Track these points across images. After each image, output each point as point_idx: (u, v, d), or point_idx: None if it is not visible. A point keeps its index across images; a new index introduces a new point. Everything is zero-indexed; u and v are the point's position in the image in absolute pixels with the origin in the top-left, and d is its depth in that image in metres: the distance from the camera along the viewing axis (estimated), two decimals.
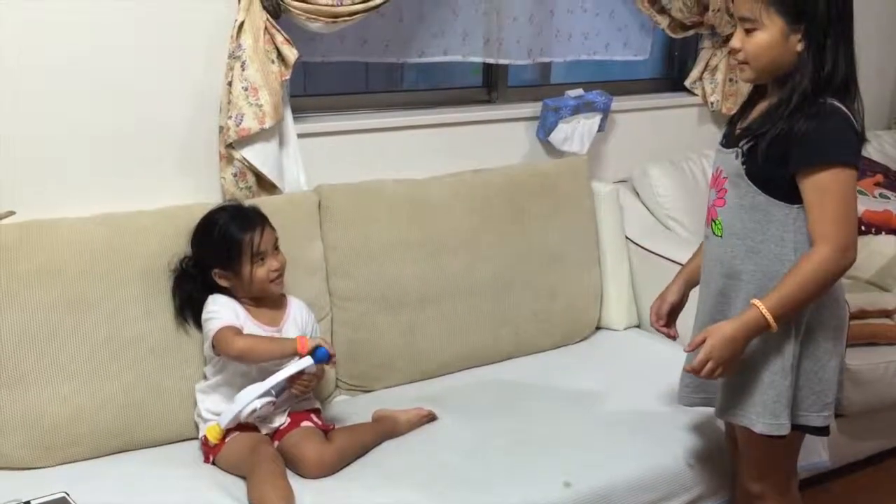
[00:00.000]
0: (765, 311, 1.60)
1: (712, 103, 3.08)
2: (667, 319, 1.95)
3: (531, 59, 2.80)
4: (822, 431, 1.75)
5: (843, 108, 1.60)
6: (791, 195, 1.63)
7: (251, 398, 1.86)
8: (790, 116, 1.59)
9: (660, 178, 2.84)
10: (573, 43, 2.87)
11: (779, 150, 1.60)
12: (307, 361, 1.88)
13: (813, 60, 1.59)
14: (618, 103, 2.90)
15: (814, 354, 1.69)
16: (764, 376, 1.68)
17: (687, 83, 3.12)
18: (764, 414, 1.69)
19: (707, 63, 3.06)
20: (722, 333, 1.62)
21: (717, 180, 1.74)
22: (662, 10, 2.91)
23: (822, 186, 1.58)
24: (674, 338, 1.97)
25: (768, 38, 1.61)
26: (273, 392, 1.89)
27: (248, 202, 2.10)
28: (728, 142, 1.74)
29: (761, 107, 1.71)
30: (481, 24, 2.68)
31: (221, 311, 1.96)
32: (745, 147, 1.65)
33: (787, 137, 1.58)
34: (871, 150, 3.31)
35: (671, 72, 3.27)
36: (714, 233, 1.75)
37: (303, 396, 2.01)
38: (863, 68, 3.60)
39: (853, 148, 1.61)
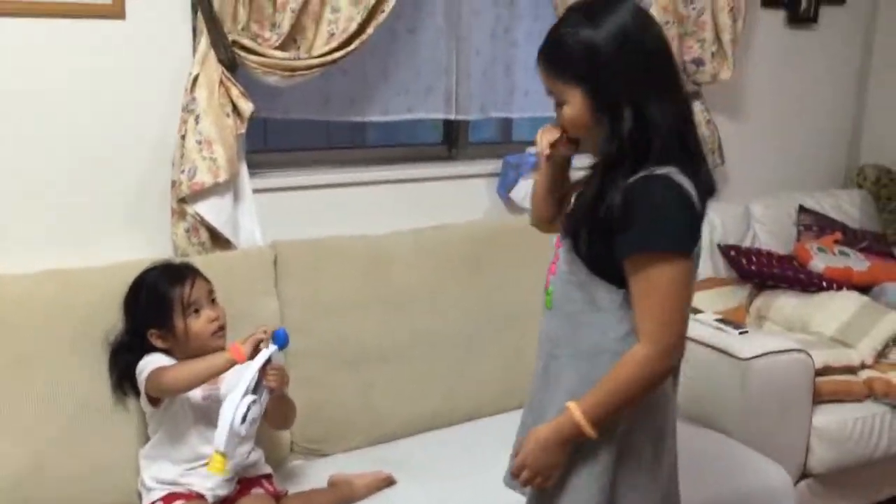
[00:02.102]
0: (578, 416, 1.41)
1: None
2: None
3: (483, 115, 2.80)
4: None
5: (671, 180, 1.37)
6: (616, 278, 1.42)
7: (234, 405, 1.69)
8: (598, 194, 1.40)
9: None
10: (530, 99, 2.87)
11: (600, 230, 1.41)
12: (271, 349, 1.76)
13: (611, 128, 1.39)
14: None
15: (630, 461, 1.49)
16: (573, 479, 1.48)
17: None
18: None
19: None
20: (536, 438, 1.46)
21: (558, 241, 1.55)
22: None
23: (646, 278, 1.37)
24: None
25: (573, 110, 1.42)
26: (250, 390, 1.73)
27: (189, 258, 2.03)
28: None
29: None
30: (442, 81, 2.68)
31: (152, 360, 1.84)
32: (569, 228, 1.48)
33: (606, 218, 1.38)
34: (827, 208, 3.36)
35: None
36: (546, 305, 1.54)
37: (280, 392, 1.85)
38: (816, 126, 3.67)
39: (681, 231, 1.38)
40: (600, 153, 1.43)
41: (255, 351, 1.76)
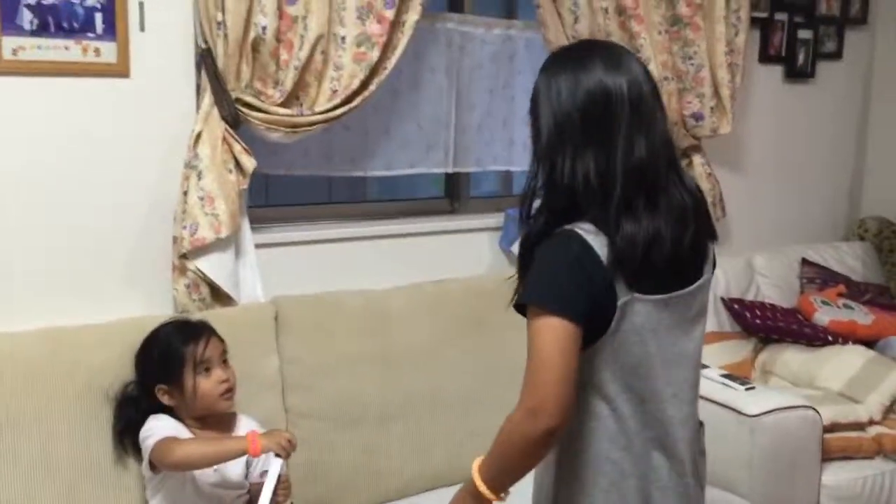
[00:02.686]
0: (476, 475, 1.38)
1: None
2: None
3: (481, 168, 2.82)
4: None
5: (572, 235, 1.33)
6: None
7: None
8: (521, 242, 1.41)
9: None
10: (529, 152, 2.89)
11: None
12: (278, 464, 1.69)
13: (530, 180, 1.40)
14: None
15: None
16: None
17: None
18: None
19: None
20: (453, 500, 1.43)
21: None
22: None
23: (528, 334, 1.32)
24: None
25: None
26: None
27: (198, 315, 2.01)
28: None
29: None
30: (442, 136, 2.69)
31: (160, 427, 1.81)
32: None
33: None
34: (830, 261, 3.35)
35: None
36: None
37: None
38: (817, 178, 3.67)
39: (557, 289, 1.30)
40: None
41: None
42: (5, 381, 1.86)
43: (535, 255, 1.35)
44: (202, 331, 1.88)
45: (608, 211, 1.33)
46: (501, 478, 1.38)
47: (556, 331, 1.30)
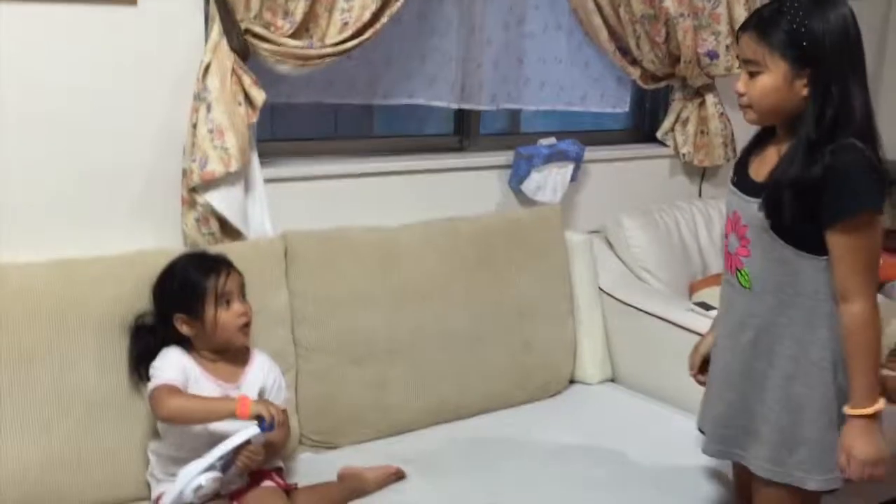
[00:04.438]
0: (863, 412, 1.57)
1: (684, 155, 3.07)
2: (699, 369, 1.89)
3: (496, 106, 2.77)
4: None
5: (861, 146, 1.56)
6: (820, 246, 1.59)
7: (192, 475, 1.69)
8: (805, 165, 1.55)
9: (633, 229, 2.81)
10: (546, 92, 2.85)
11: (804, 204, 1.56)
12: (253, 430, 1.72)
13: (820, 105, 1.56)
14: (590, 153, 2.87)
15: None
16: (812, 432, 1.64)
17: (658, 135, 3.11)
18: (814, 470, 1.65)
19: (678, 115, 3.05)
20: (856, 453, 1.59)
21: (737, 227, 1.69)
22: (634, 62, 2.91)
23: (856, 238, 1.56)
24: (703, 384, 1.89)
25: (772, 81, 1.59)
26: (218, 466, 1.72)
27: (212, 249, 2.00)
28: (745, 188, 1.69)
29: (772, 152, 1.67)
30: (449, 70, 2.65)
31: (165, 367, 1.81)
32: (770, 203, 1.60)
33: (810, 189, 1.55)
34: None
35: (642, 123, 3.26)
36: (742, 284, 1.70)
37: (245, 471, 1.82)
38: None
39: (881, 193, 1.57)
40: (799, 127, 1.57)
41: (257, 417, 1.73)
42: (17, 313, 1.86)
43: (843, 170, 1.53)
44: (223, 264, 1.89)
45: (865, 137, 1.57)
46: (874, 385, 1.59)
47: (880, 227, 1.59)
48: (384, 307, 2.29)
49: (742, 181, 1.71)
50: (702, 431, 1.85)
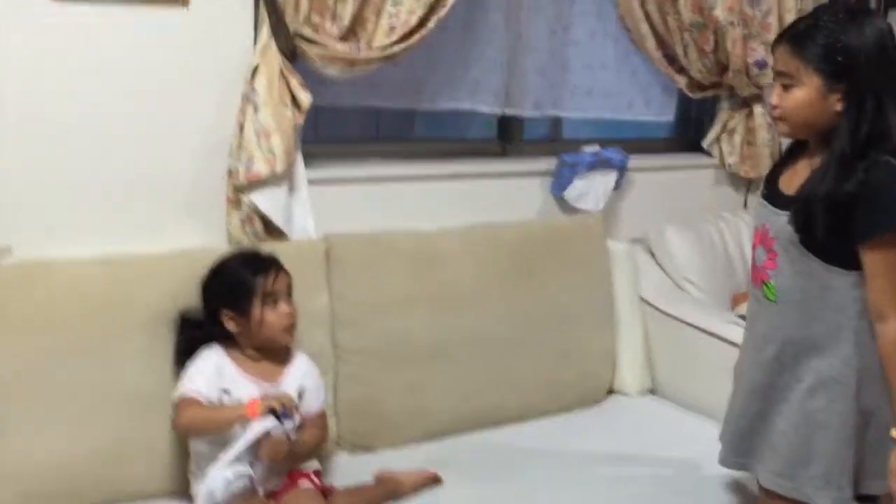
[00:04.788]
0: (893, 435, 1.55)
1: (730, 165, 3.03)
2: None
3: (540, 113, 2.76)
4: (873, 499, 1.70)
5: (895, 163, 1.54)
6: (849, 261, 1.58)
7: (217, 475, 1.70)
8: (837, 180, 1.54)
9: (676, 239, 2.77)
10: (593, 100, 2.83)
11: (836, 218, 1.55)
12: (269, 422, 1.73)
13: (854, 120, 1.54)
14: (633, 162, 2.85)
15: (878, 422, 1.62)
16: (828, 447, 1.62)
17: (704, 144, 3.07)
18: (826, 487, 1.63)
19: (725, 124, 3.02)
20: None
21: (765, 239, 1.68)
22: (681, 70, 2.88)
23: (885, 255, 1.54)
24: None
25: (805, 95, 1.58)
26: (245, 461, 1.74)
27: (264, 249, 2.01)
28: (775, 201, 1.68)
29: (804, 165, 1.66)
30: (494, 76, 2.64)
31: (194, 376, 1.83)
32: (800, 216, 1.59)
33: (843, 204, 1.53)
34: None
35: (687, 132, 3.22)
36: (767, 297, 1.68)
37: (275, 467, 1.83)
38: None
39: None
40: (834, 141, 1.56)
41: (273, 411, 1.74)
42: (65, 308, 1.89)
43: (878, 186, 1.52)
44: (272, 263, 1.91)
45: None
46: None
47: None
48: (423, 311, 2.29)
49: (772, 194, 1.70)
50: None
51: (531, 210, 2.73)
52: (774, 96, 1.63)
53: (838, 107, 1.56)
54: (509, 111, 2.71)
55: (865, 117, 1.54)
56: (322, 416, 1.98)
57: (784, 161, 1.74)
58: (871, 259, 1.55)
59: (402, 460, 2.10)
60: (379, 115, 2.78)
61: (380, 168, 2.52)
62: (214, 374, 1.84)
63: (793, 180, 1.66)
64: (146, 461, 1.92)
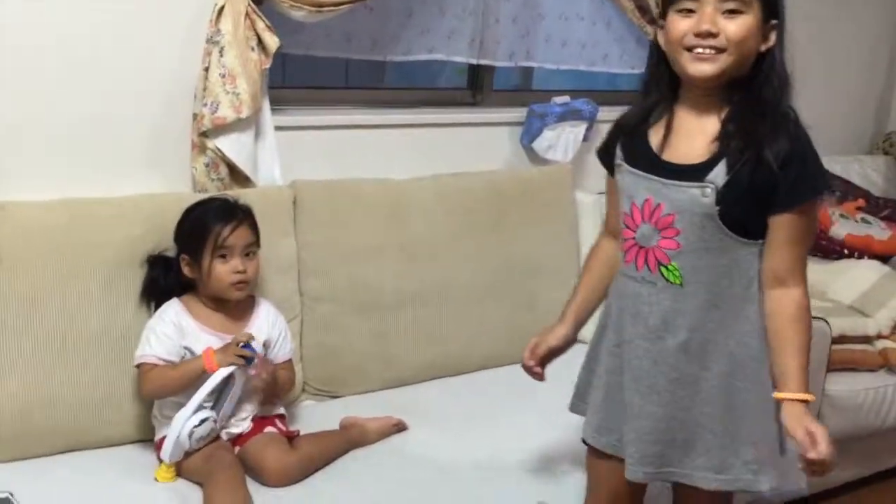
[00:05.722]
0: (799, 397, 1.41)
1: None
2: (540, 361, 1.71)
3: (514, 63, 2.73)
4: None
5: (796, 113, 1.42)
6: (757, 231, 1.43)
7: (183, 420, 1.73)
8: (780, 137, 1.37)
9: None
10: (568, 49, 2.80)
11: (764, 184, 1.38)
12: (225, 372, 1.75)
13: (780, 63, 1.41)
14: (603, 113, 2.83)
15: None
16: (755, 428, 1.49)
17: None
18: (764, 469, 1.49)
19: None
20: (820, 431, 1.40)
21: (654, 216, 1.46)
22: (653, 21, 2.86)
23: (805, 223, 1.42)
24: (542, 380, 1.74)
25: (753, 22, 1.38)
26: (208, 408, 1.76)
27: (240, 201, 1.94)
28: (668, 173, 1.45)
29: (692, 128, 1.45)
30: (468, 24, 2.61)
31: (154, 337, 1.81)
32: (721, 184, 1.40)
33: (771, 168, 1.37)
34: (853, 175, 3.31)
35: None
36: (670, 281, 1.47)
37: (268, 395, 1.88)
38: (845, 90, 3.61)
39: (825, 173, 1.45)
40: (763, 87, 1.41)
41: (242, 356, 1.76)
42: (23, 252, 1.86)
43: (799, 150, 1.39)
44: (235, 216, 1.86)
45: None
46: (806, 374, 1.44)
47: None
48: (391, 259, 2.29)
49: (656, 165, 1.46)
50: (585, 442, 1.69)
51: (500, 160, 2.72)
52: (709, 23, 1.37)
53: (764, 45, 1.40)
54: (483, 61, 2.68)
55: (782, 61, 1.40)
56: (289, 364, 1.98)
57: (634, 125, 1.52)
58: (794, 225, 1.40)
59: (367, 407, 2.12)
60: (348, 62, 2.74)
61: (349, 115, 2.49)
62: (174, 333, 1.83)
63: (688, 146, 1.44)
64: (109, 407, 1.90)
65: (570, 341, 1.72)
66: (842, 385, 2.46)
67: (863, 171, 3.36)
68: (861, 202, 3.14)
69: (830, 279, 2.76)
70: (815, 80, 3.34)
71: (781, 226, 1.41)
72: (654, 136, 1.49)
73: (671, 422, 1.51)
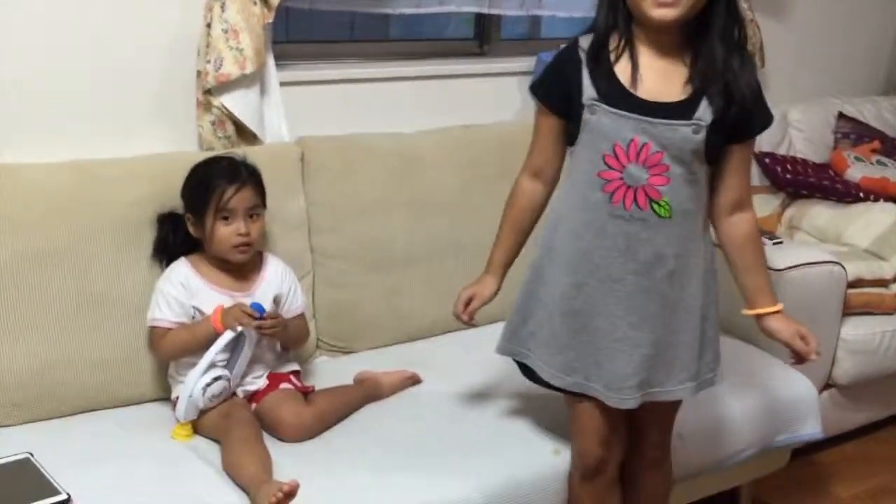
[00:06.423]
0: (776, 309, 1.63)
1: None
2: (472, 314, 1.80)
3: (526, 11, 2.68)
4: None
5: None
6: (716, 160, 1.57)
7: (195, 378, 1.74)
8: (749, 71, 1.50)
9: None
10: None
11: (738, 117, 1.50)
12: (228, 335, 1.76)
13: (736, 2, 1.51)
14: None
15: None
16: (712, 332, 1.66)
17: None
18: (716, 365, 1.69)
19: None
20: (804, 329, 1.65)
21: (642, 156, 1.50)
22: None
23: (752, 149, 1.60)
24: (474, 326, 1.83)
25: None
26: (220, 366, 1.78)
27: (248, 160, 1.92)
28: (650, 112, 1.48)
29: (664, 66, 1.50)
30: None
31: (163, 300, 1.82)
32: (708, 118, 1.48)
33: (744, 102, 1.48)
34: (868, 116, 3.25)
35: None
36: (659, 215, 1.53)
37: (279, 347, 1.91)
38: (861, 31, 3.54)
39: None
40: (734, 26, 1.49)
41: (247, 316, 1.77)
42: (31, 213, 1.86)
43: (753, 84, 1.51)
44: (239, 177, 1.84)
45: None
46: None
47: None
48: (401, 215, 2.28)
49: (633, 103, 1.48)
50: (552, 387, 1.69)
51: (509, 111, 2.69)
52: None
53: None
54: (494, 10, 2.63)
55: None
56: (302, 317, 1.98)
57: (597, 62, 1.51)
58: (750, 151, 1.59)
59: (381, 362, 2.12)
60: (353, 14, 2.70)
61: (355, 69, 2.46)
62: (182, 293, 1.83)
63: (657, 86, 1.49)
64: (126, 367, 1.92)
65: (498, 290, 1.82)
66: (858, 329, 2.45)
67: (878, 112, 3.29)
68: (876, 144, 3.09)
69: (845, 223, 2.73)
70: (830, 22, 3.32)
71: (742, 153, 1.56)
72: (622, 74, 1.50)
73: (659, 346, 1.60)
